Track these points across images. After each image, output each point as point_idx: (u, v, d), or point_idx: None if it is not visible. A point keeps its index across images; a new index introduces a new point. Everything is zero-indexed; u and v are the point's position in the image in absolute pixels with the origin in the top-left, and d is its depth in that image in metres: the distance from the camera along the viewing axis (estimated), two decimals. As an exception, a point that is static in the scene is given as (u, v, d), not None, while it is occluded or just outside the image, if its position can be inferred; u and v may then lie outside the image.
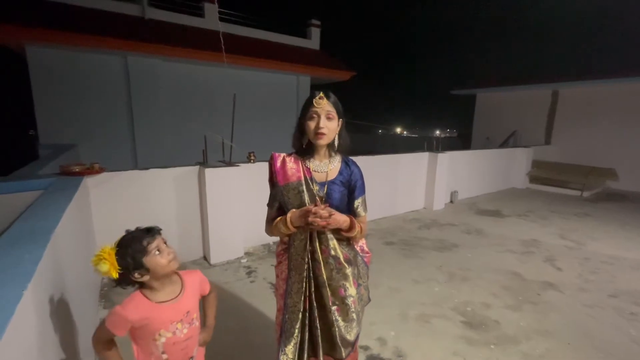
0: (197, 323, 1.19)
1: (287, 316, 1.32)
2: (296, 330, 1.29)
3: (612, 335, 2.38)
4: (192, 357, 1.20)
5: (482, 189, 6.97)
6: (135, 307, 1.05)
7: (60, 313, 1.31)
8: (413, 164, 5.47)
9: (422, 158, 5.57)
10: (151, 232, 1.08)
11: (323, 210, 1.16)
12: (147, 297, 1.08)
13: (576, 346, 2.24)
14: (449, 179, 5.93)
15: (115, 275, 1.00)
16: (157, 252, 1.06)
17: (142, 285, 1.09)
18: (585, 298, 2.88)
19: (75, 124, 6.21)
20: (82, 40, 5.59)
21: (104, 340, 1.08)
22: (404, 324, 2.44)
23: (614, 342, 2.30)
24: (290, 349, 1.30)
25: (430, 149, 5.85)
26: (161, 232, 1.13)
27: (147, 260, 1.05)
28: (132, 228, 1.11)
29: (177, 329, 1.10)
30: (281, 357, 1.30)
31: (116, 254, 1.01)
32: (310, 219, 1.16)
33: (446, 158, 5.66)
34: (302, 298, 1.29)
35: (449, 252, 3.85)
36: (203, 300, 1.30)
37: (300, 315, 1.29)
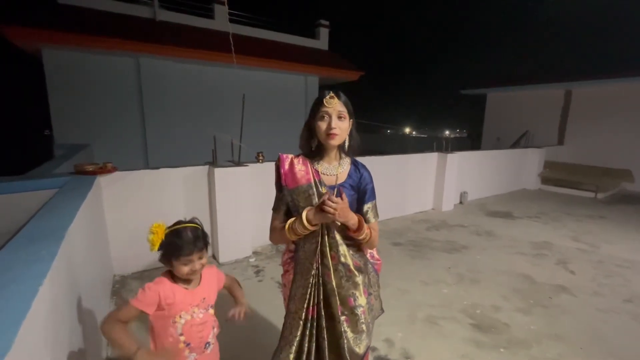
0: (211, 311, 1.28)
1: (288, 321, 1.27)
2: (295, 339, 1.23)
3: (627, 340, 2.32)
4: (208, 343, 1.27)
5: (493, 190, 6.87)
6: (164, 284, 1.17)
7: (74, 308, 1.34)
8: (422, 165, 5.43)
9: (431, 158, 5.52)
10: (196, 244, 1.16)
11: (335, 199, 1.09)
12: (172, 279, 1.19)
13: (589, 351, 2.20)
14: (459, 180, 5.86)
15: (154, 248, 1.13)
16: (184, 264, 1.15)
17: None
18: (599, 302, 2.82)
19: (89, 124, 6.35)
20: (95, 42, 5.71)
21: (123, 320, 1.12)
22: (411, 325, 2.42)
23: (629, 348, 2.24)
24: (286, 356, 1.23)
25: (439, 149, 5.79)
26: (207, 243, 1.22)
27: (174, 263, 1.15)
28: (188, 218, 1.23)
29: (194, 312, 1.20)
30: None
31: (164, 237, 1.13)
32: (325, 205, 1.08)
33: (455, 158, 5.60)
34: (306, 305, 1.22)
35: (458, 253, 3.81)
36: (227, 289, 1.40)
37: (301, 323, 1.23)
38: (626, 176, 7.53)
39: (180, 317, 1.17)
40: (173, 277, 1.20)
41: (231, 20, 8.11)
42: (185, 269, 1.15)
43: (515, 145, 9.44)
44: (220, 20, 7.91)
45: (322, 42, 10.07)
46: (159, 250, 1.14)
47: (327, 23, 10.07)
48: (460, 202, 6.11)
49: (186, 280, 1.21)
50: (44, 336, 0.90)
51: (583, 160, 8.45)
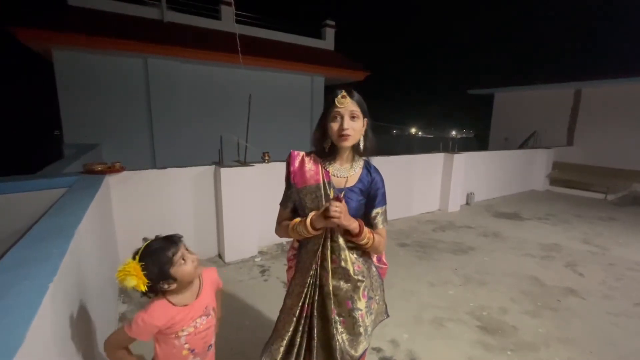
0: (212, 313, 1.26)
1: (282, 316, 1.28)
2: (287, 334, 1.23)
3: (638, 345, 2.28)
4: (210, 345, 1.27)
5: (500, 191, 6.80)
6: (161, 313, 1.09)
7: (83, 305, 1.36)
8: (428, 165, 5.39)
9: (437, 159, 5.49)
10: (174, 241, 1.09)
11: (341, 205, 1.08)
12: (171, 302, 1.12)
13: (599, 355, 2.16)
14: (465, 181, 5.81)
15: (143, 288, 1.00)
16: (182, 262, 1.08)
17: (165, 292, 1.11)
18: (610, 305, 2.77)
19: (97, 124, 6.43)
20: (105, 44, 5.78)
21: (122, 346, 1.11)
22: (417, 327, 2.41)
23: (640, 353, 2.20)
24: (277, 349, 1.24)
25: (446, 149, 5.75)
26: (182, 239, 1.14)
27: (175, 271, 1.07)
28: (150, 236, 1.11)
29: (197, 322, 1.17)
30: (264, 356, 1.26)
31: (143, 268, 1.01)
32: (331, 211, 1.05)
33: (462, 159, 5.55)
34: (301, 303, 1.22)
35: (465, 255, 3.78)
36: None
37: (294, 320, 1.23)
38: (637, 177, 7.39)
39: (182, 331, 1.14)
40: (171, 297, 1.11)
41: (237, 21, 8.17)
42: (188, 267, 1.08)
43: (523, 145, 9.33)
44: (227, 21, 7.96)
45: (328, 42, 10.08)
46: (148, 281, 1.01)
47: (333, 23, 10.07)
48: (467, 203, 6.06)
49: (185, 296, 1.15)
50: (54, 332, 0.91)
51: (593, 161, 8.31)
